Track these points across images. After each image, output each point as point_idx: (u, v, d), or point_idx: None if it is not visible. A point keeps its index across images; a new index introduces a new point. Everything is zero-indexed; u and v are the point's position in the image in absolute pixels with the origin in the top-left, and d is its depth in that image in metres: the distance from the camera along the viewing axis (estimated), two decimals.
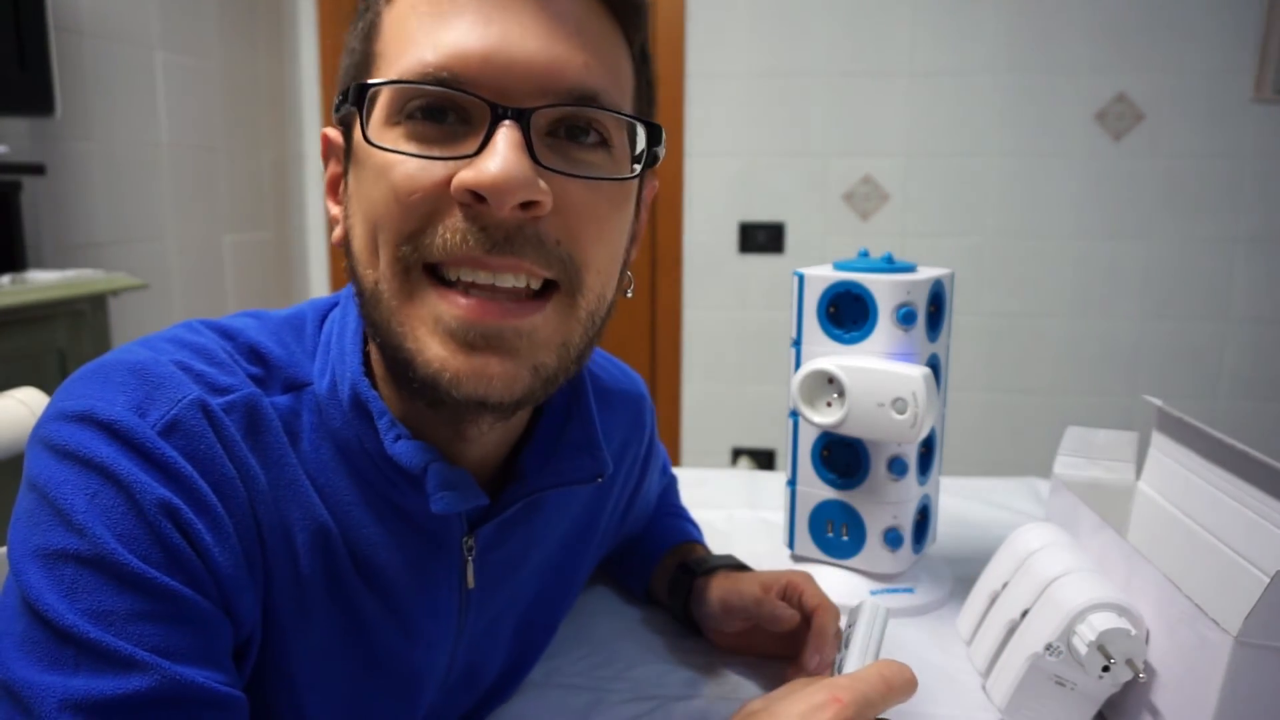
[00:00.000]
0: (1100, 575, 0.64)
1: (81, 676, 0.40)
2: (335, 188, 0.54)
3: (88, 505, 0.42)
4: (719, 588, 0.75)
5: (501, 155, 0.44)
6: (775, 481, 1.19)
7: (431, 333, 0.46)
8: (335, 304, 0.56)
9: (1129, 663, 0.58)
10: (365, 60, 0.49)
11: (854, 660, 0.58)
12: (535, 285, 0.47)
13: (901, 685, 0.50)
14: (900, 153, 2.44)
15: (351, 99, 0.47)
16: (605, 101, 0.47)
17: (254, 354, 0.51)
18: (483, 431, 0.54)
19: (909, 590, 0.85)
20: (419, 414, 0.52)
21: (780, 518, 0.96)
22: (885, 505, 0.84)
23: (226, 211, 2.34)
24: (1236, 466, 0.68)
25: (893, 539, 0.84)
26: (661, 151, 0.51)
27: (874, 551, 0.85)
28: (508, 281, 0.46)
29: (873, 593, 0.85)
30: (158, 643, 0.41)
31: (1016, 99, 2.37)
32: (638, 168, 0.50)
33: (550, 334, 0.48)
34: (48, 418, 0.45)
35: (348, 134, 0.51)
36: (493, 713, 0.68)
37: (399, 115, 0.46)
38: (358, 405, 0.50)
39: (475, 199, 0.44)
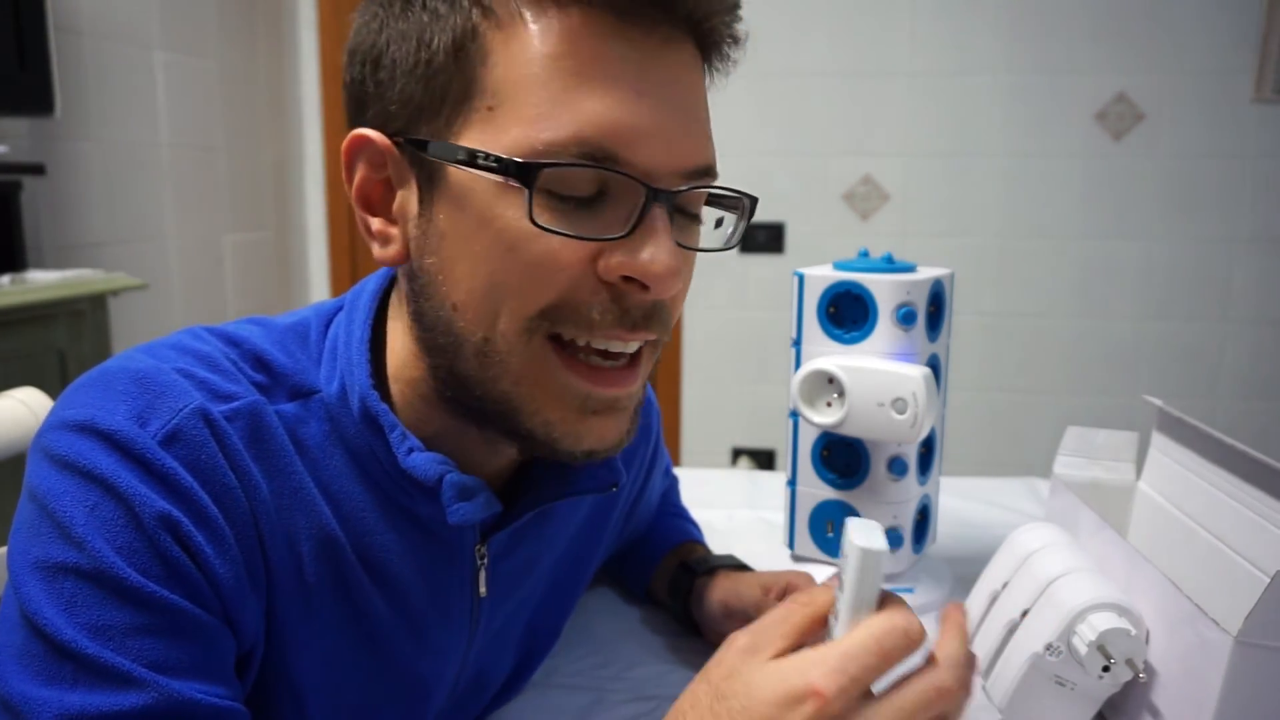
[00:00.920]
0: (1100, 575, 0.64)
1: (79, 692, 0.40)
2: (370, 198, 0.50)
3: (87, 518, 0.42)
4: (719, 589, 0.75)
5: (667, 248, 0.45)
6: (775, 481, 1.19)
7: (557, 401, 0.48)
8: (339, 308, 0.56)
9: (1129, 663, 0.58)
10: (461, 86, 0.45)
11: (843, 624, 0.44)
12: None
13: (901, 648, 0.42)
14: (900, 153, 2.43)
15: (513, 172, 0.44)
16: (714, 172, 0.49)
17: (259, 361, 0.51)
18: (499, 453, 0.55)
19: (909, 590, 0.85)
20: (446, 427, 0.52)
21: (780, 518, 0.96)
22: (885, 505, 0.84)
23: (226, 211, 2.34)
24: (1236, 466, 0.68)
25: (893, 539, 0.84)
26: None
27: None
28: (631, 348, 0.49)
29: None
30: (156, 658, 0.41)
31: (1016, 99, 2.37)
32: (733, 239, 0.53)
33: (643, 383, 0.52)
34: (49, 426, 0.45)
35: (428, 162, 0.47)
36: (493, 714, 0.68)
37: (534, 179, 0.44)
38: (369, 418, 0.50)
39: (624, 281, 0.46)
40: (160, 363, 0.47)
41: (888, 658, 0.41)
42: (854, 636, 0.41)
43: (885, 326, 0.81)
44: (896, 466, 0.83)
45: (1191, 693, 0.55)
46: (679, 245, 0.47)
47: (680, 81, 0.47)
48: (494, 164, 0.44)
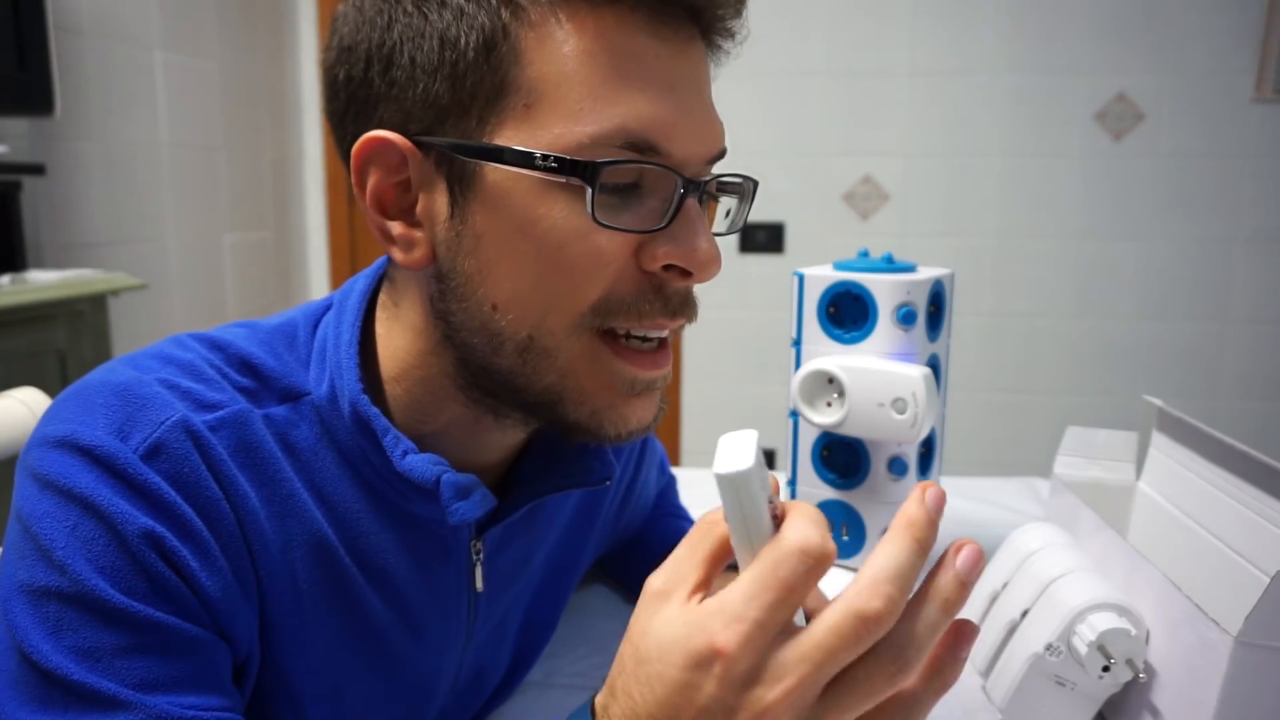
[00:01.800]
0: (1100, 575, 0.64)
1: (69, 717, 0.40)
2: (385, 201, 0.48)
3: (68, 539, 0.41)
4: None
5: (706, 235, 0.47)
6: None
7: (608, 389, 0.49)
8: (328, 307, 0.55)
9: (1129, 663, 0.58)
10: (495, 86, 0.45)
11: (741, 561, 0.37)
12: None
13: (802, 572, 0.33)
14: (900, 153, 2.43)
15: (570, 172, 0.44)
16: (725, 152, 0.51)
17: (245, 365, 0.50)
18: (512, 439, 0.55)
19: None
20: (444, 415, 0.52)
21: None
22: (885, 505, 0.84)
23: (226, 211, 2.34)
24: (1236, 466, 0.68)
25: None
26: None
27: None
28: (665, 333, 0.50)
29: None
30: (146, 677, 0.41)
31: (1016, 99, 2.37)
32: (738, 222, 0.55)
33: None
34: (32, 444, 0.45)
35: (460, 164, 0.46)
36: (493, 713, 0.68)
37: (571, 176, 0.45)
38: (360, 421, 0.50)
39: (665, 270, 0.47)
40: (142, 374, 0.46)
41: (792, 589, 0.33)
42: (748, 574, 0.35)
43: (885, 326, 0.81)
44: (896, 466, 0.83)
45: (1191, 693, 0.55)
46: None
47: (700, 74, 0.49)
48: (552, 164, 0.44)
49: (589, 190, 0.44)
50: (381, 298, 0.54)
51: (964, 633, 0.37)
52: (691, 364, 2.61)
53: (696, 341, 2.59)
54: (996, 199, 2.42)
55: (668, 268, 0.47)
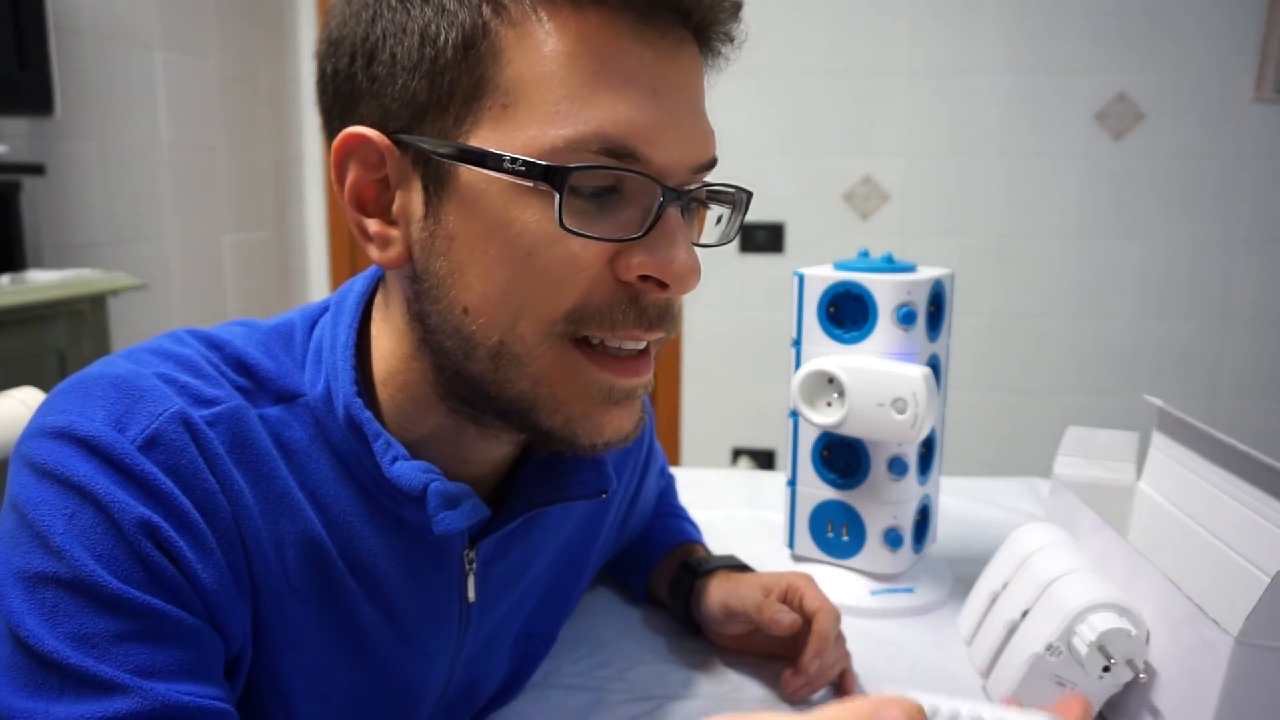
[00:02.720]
0: (1100, 575, 0.64)
1: (64, 702, 0.40)
2: (364, 198, 0.48)
3: (66, 526, 0.41)
4: (720, 590, 0.75)
5: (685, 247, 0.46)
6: (775, 481, 1.19)
7: (582, 396, 0.48)
8: (325, 309, 0.55)
9: (1129, 663, 0.58)
10: (474, 84, 0.44)
11: None
12: None
13: None
14: (900, 153, 2.43)
15: (539, 176, 0.43)
16: (716, 161, 0.50)
17: (241, 365, 0.50)
18: (506, 450, 0.55)
19: (909, 590, 0.85)
20: (446, 423, 0.52)
21: (780, 518, 0.96)
22: (885, 505, 0.84)
23: (226, 211, 2.34)
24: (1236, 466, 0.68)
25: (893, 539, 0.84)
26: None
27: (874, 551, 0.85)
28: (642, 345, 0.49)
29: (873, 593, 0.85)
30: (141, 663, 0.41)
31: (1016, 99, 2.37)
32: (730, 233, 0.53)
33: (652, 372, 0.52)
34: (28, 434, 0.45)
35: (436, 163, 0.45)
36: (492, 714, 0.67)
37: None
38: (353, 425, 0.50)
39: (641, 280, 0.46)
40: (140, 368, 0.47)
41: None
42: None
43: (885, 326, 0.81)
44: (896, 466, 0.83)
45: (1191, 693, 0.55)
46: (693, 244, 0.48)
47: (689, 80, 0.47)
48: (521, 167, 0.43)
49: (557, 196, 0.43)
50: (377, 299, 0.54)
51: None
52: (691, 364, 2.61)
53: (696, 341, 2.59)
54: (997, 199, 2.42)
55: (645, 278, 0.46)
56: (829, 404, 0.82)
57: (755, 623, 0.71)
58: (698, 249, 0.50)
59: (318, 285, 2.72)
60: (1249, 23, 2.26)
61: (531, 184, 0.43)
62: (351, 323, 0.52)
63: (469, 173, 0.44)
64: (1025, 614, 0.65)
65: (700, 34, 0.48)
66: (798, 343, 0.86)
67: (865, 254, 0.85)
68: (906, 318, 0.80)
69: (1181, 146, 2.33)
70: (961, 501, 1.10)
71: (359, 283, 0.55)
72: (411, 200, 0.47)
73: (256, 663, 0.49)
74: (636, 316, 0.47)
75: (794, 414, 0.88)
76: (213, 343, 0.51)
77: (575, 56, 0.43)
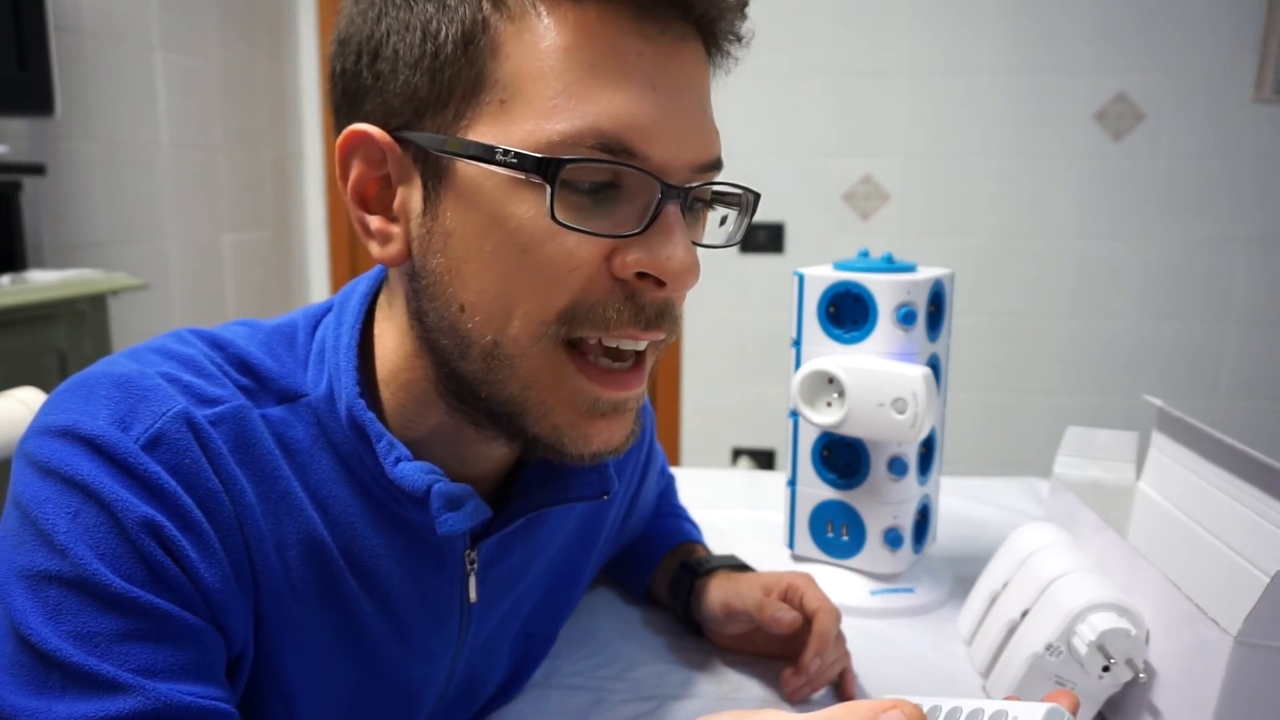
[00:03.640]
0: (1100, 575, 0.64)
1: (67, 700, 0.40)
2: (367, 195, 0.48)
3: (69, 525, 0.42)
4: (720, 589, 0.75)
5: (683, 245, 0.45)
6: (775, 481, 1.19)
7: (567, 404, 0.48)
8: (328, 310, 0.55)
9: (1129, 663, 0.58)
10: (473, 80, 0.44)
11: None
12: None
13: None
14: (900, 153, 2.43)
15: (532, 168, 0.43)
16: (722, 164, 0.49)
17: (244, 365, 0.50)
18: (507, 452, 0.55)
19: (909, 590, 0.85)
20: (443, 423, 0.52)
21: (780, 518, 0.96)
22: (885, 505, 0.84)
23: (226, 211, 2.34)
24: (1236, 466, 0.68)
25: (893, 539, 0.84)
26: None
27: (874, 551, 0.85)
28: (641, 345, 0.48)
29: (873, 593, 0.85)
30: (144, 662, 0.41)
31: (1016, 99, 2.37)
32: (736, 235, 0.52)
33: (646, 384, 0.51)
34: (31, 432, 0.45)
35: (436, 159, 0.46)
36: (492, 714, 0.68)
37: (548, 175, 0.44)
38: (356, 425, 0.50)
39: (638, 278, 0.45)
40: (144, 367, 0.47)
41: None
42: None
43: (885, 326, 0.81)
44: (896, 466, 0.83)
45: (1191, 693, 0.55)
46: (694, 243, 0.47)
47: (691, 77, 0.47)
48: (513, 160, 0.43)
49: (549, 189, 0.43)
50: (380, 299, 0.54)
51: None
52: (691, 364, 2.61)
53: (696, 341, 2.59)
54: (996, 199, 2.42)
55: (642, 276, 0.46)
56: (829, 404, 0.82)
57: (756, 621, 0.71)
58: (701, 249, 0.50)
59: (318, 285, 2.72)
60: (1249, 23, 2.26)
61: (524, 177, 0.43)
62: (355, 323, 0.52)
63: (466, 167, 0.45)
64: (1025, 614, 0.66)
65: (704, 31, 0.48)
66: (798, 343, 0.86)
67: (865, 254, 0.85)
68: (906, 318, 0.80)
69: (1181, 146, 2.33)
70: (961, 501, 1.10)
71: (363, 283, 0.55)
72: (412, 197, 0.47)
73: (258, 663, 0.49)
74: (633, 315, 0.46)
75: (794, 414, 0.88)
76: (215, 342, 0.51)
77: (573, 50, 0.43)
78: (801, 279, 0.85)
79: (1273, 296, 2.37)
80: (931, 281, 0.83)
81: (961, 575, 0.89)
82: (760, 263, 2.51)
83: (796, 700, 0.69)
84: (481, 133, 0.44)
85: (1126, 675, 0.59)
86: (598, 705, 0.69)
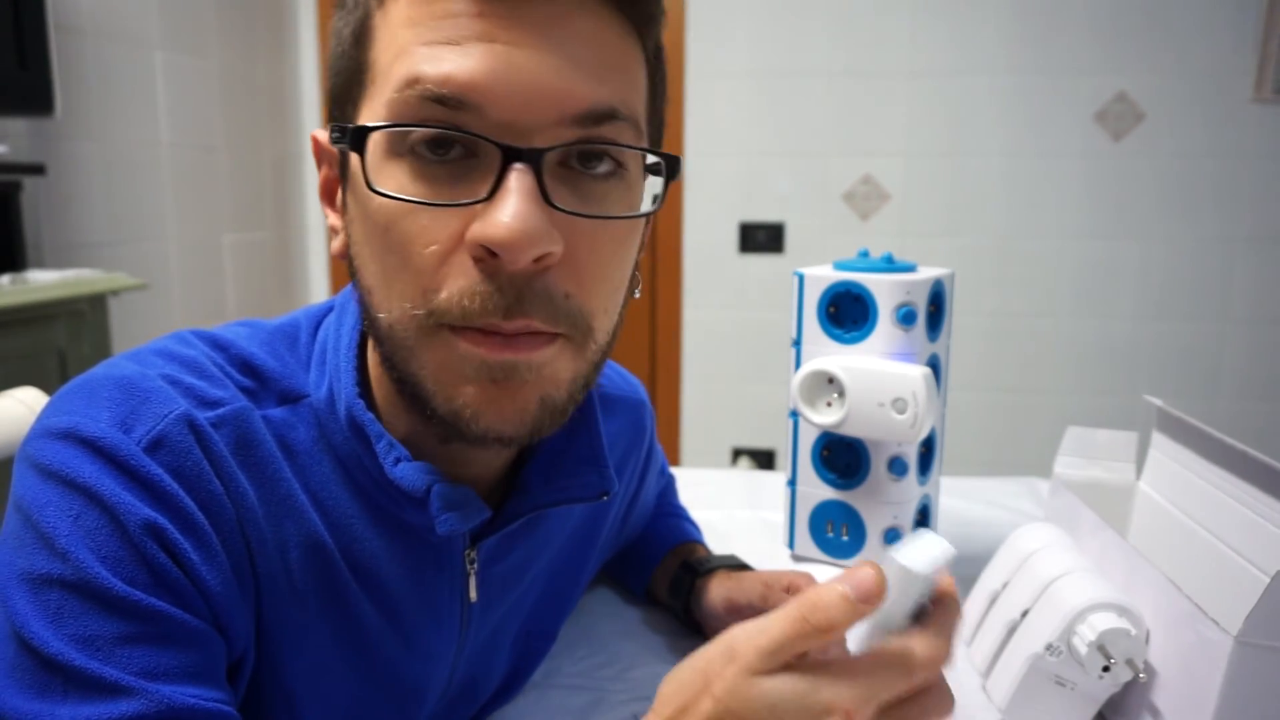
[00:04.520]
0: (1100, 575, 0.64)
1: (69, 704, 0.40)
2: (331, 194, 0.51)
3: (71, 528, 0.41)
4: (722, 587, 0.75)
5: (514, 208, 0.41)
6: (775, 481, 1.19)
7: (457, 375, 0.45)
8: (330, 309, 0.55)
9: (1129, 663, 0.58)
10: (356, 69, 0.46)
11: (868, 634, 0.41)
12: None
13: (931, 678, 0.40)
14: (900, 153, 2.43)
15: (350, 141, 0.44)
16: (623, 114, 0.45)
17: (246, 366, 0.50)
18: (497, 451, 0.54)
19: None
20: (419, 429, 0.51)
21: (780, 518, 0.96)
22: (885, 505, 0.84)
23: (226, 211, 2.34)
24: (1236, 466, 0.68)
25: (893, 539, 0.84)
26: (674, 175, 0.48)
27: (874, 552, 0.85)
28: (519, 330, 0.45)
29: None
30: (146, 665, 0.41)
31: (1016, 99, 2.37)
32: (651, 203, 0.48)
33: (559, 370, 0.46)
34: (33, 435, 0.45)
35: (342, 151, 0.48)
36: (493, 714, 0.68)
37: (402, 148, 0.43)
38: (355, 426, 0.50)
39: (488, 253, 0.42)
40: (145, 369, 0.47)
41: (913, 684, 0.39)
42: (892, 656, 0.39)
43: (885, 326, 0.81)
44: (896, 466, 0.83)
45: (1191, 693, 0.55)
46: (553, 206, 0.42)
47: (556, 24, 0.43)
48: (337, 135, 0.45)
49: (360, 158, 0.43)
50: None
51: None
52: (691, 364, 2.61)
53: (696, 341, 2.59)
54: (996, 199, 2.42)
55: (493, 254, 0.42)
56: (829, 404, 0.82)
57: (760, 612, 0.71)
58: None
59: (318, 285, 2.72)
60: (1249, 23, 2.26)
61: (348, 151, 0.45)
62: (355, 324, 0.52)
63: (350, 155, 0.46)
64: (1025, 614, 0.65)
65: None
66: (798, 343, 0.86)
67: (865, 254, 0.85)
68: (906, 318, 0.80)
69: (1181, 147, 2.33)
70: (961, 501, 1.10)
71: None
72: (341, 192, 0.50)
73: (260, 664, 0.49)
74: (494, 299, 0.43)
75: (794, 414, 0.88)
76: (217, 343, 0.51)
77: (417, 20, 0.43)
78: (801, 279, 0.85)
79: (1273, 296, 2.37)
80: (931, 281, 0.83)
81: (961, 575, 0.89)
82: (760, 263, 2.51)
83: None
84: (359, 118, 0.46)
85: (1126, 675, 0.59)
86: (598, 705, 0.69)
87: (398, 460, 0.49)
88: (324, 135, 0.50)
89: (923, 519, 0.89)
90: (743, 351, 2.57)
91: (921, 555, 0.40)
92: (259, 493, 0.47)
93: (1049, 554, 0.68)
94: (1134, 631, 0.58)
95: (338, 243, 0.50)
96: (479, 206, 0.42)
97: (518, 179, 0.42)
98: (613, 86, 0.44)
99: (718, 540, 0.92)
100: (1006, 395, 2.51)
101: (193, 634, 0.43)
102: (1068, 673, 0.61)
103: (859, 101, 2.42)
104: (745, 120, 2.46)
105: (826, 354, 0.83)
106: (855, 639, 0.41)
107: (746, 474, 1.25)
